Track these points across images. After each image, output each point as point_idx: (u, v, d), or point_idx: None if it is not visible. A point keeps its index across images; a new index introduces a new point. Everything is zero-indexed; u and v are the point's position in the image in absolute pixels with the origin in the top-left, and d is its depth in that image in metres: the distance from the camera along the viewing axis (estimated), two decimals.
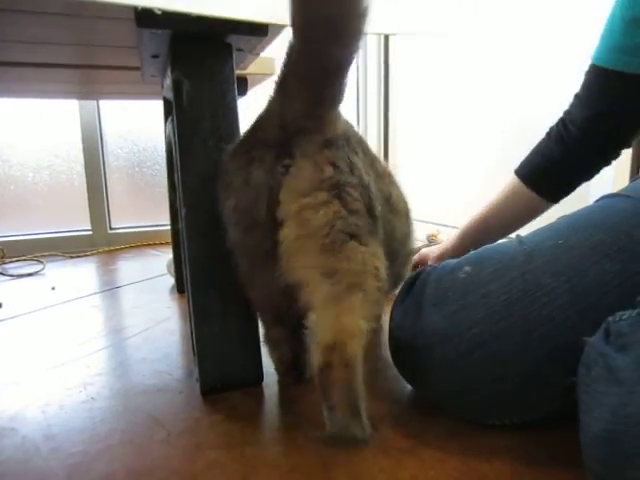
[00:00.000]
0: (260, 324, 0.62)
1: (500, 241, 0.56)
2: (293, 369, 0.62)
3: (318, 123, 0.50)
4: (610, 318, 0.39)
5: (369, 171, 0.55)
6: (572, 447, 0.47)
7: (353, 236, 0.49)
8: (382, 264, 0.52)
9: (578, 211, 0.53)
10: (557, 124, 0.74)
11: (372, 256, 0.51)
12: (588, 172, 0.76)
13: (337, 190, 0.49)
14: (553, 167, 0.74)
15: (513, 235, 0.56)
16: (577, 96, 0.71)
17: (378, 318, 0.57)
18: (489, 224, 0.83)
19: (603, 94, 0.67)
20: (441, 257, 0.90)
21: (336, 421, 0.44)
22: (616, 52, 0.63)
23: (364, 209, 0.51)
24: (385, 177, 0.65)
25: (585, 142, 0.70)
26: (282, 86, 0.49)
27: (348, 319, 0.47)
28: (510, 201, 0.80)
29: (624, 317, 0.38)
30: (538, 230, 0.53)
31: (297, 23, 0.43)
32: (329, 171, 0.49)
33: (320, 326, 0.48)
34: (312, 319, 0.49)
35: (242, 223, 0.51)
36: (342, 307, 0.47)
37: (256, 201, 0.49)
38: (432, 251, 0.95)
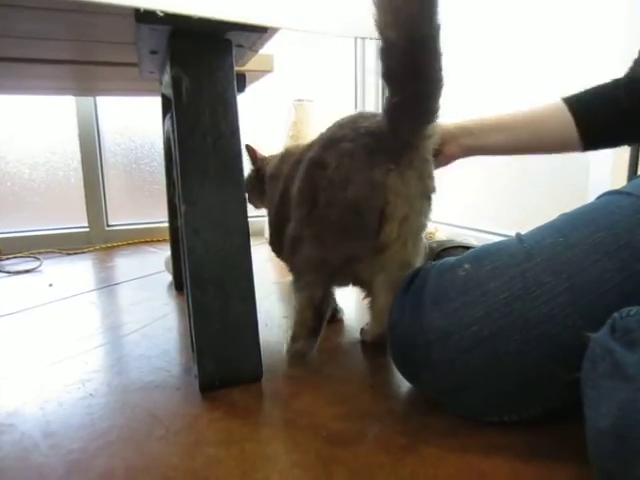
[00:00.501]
0: (300, 287, 0.68)
1: (499, 240, 0.56)
2: (312, 335, 0.69)
3: (420, 139, 0.60)
4: (616, 314, 0.39)
5: None
6: (571, 444, 0.48)
7: (421, 236, 0.64)
8: None
9: (578, 209, 0.53)
10: (622, 77, 0.67)
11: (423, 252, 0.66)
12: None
13: (429, 200, 0.64)
14: (611, 111, 0.68)
15: (512, 233, 0.56)
16: (636, 60, 0.66)
17: None
18: (510, 127, 0.73)
19: None
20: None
21: None
22: None
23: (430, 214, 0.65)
24: None
25: None
26: (398, 105, 0.57)
27: None
28: (543, 115, 0.71)
29: (631, 313, 0.38)
30: (538, 228, 0.53)
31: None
32: (429, 183, 0.63)
33: (385, 305, 0.61)
34: (376, 297, 0.65)
35: (353, 210, 0.61)
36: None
37: (372, 197, 0.60)
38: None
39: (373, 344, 0.74)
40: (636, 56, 0.66)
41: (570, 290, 0.45)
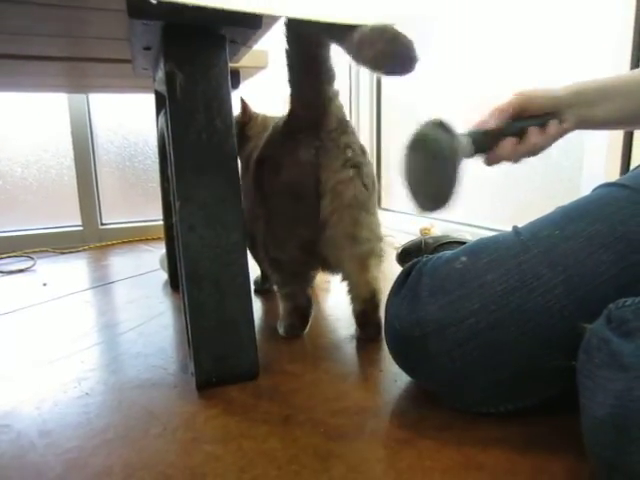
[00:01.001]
0: (278, 285, 0.77)
1: (491, 234, 0.56)
2: (303, 317, 0.77)
3: (327, 101, 0.64)
4: (612, 305, 0.40)
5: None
6: (567, 434, 0.48)
7: (365, 208, 0.66)
8: (382, 232, 0.72)
9: (575, 201, 0.53)
10: None
11: (377, 225, 0.71)
12: None
13: (357, 168, 0.65)
14: None
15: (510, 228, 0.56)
16: None
17: None
18: (612, 90, 0.59)
19: None
20: (546, 98, 0.59)
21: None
22: None
23: (371, 185, 0.67)
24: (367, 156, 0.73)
25: None
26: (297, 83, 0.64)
27: (374, 279, 0.70)
28: None
29: (627, 304, 0.39)
30: (534, 221, 0.54)
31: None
32: (349, 152, 0.65)
33: (356, 284, 0.71)
34: (346, 276, 0.72)
35: (292, 194, 0.65)
36: (368, 269, 0.69)
37: (303, 177, 0.64)
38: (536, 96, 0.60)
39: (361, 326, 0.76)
40: None
41: (566, 282, 0.46)
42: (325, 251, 0.68)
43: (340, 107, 0.67)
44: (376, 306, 0.71)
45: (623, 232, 0.45)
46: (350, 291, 0.73)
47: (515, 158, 0.58)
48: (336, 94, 0.66)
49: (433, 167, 0.53)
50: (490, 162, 0.58)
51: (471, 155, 0.55)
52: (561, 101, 0.59)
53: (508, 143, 0.56)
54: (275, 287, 0.79)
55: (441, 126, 0.52)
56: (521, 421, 0.51)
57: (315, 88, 0.62)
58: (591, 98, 0.60)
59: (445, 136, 0.52)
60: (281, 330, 0.77)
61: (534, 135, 0.57)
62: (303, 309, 0.76)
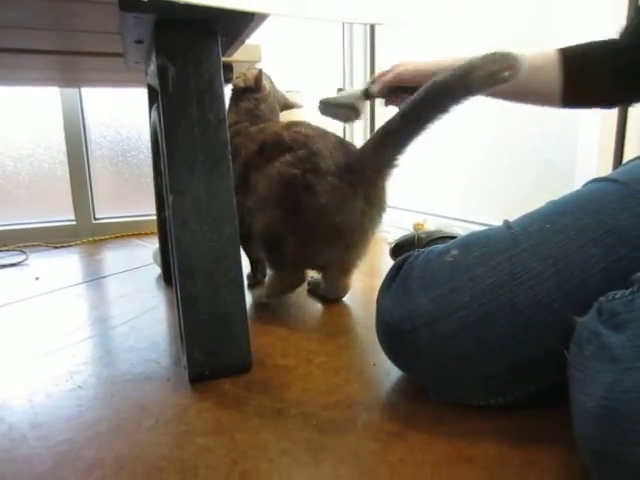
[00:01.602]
0: (282, 276, 0.86)
1: (487, 227, 0.56)
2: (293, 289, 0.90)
3: (383, 179, 0.82)
4: (602, 298, 0.40)
5: None
6: (557, 427, 0.49)
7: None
8: None
9: (565, 196, 0.54)
10: (613, 39, 0.68)
11: None
12: (626, 93, 0.69)
13: (381, 215, 0.84)
14: (600, 68, 0.67)
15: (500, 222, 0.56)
16: (624, 32, 0.67)
17: None
18: None
19: None
20: (416, 74, 0.77)
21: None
22: None
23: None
24: None
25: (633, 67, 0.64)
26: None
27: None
28: (535, 63, 0.69)
29: (617, 296, 0.39)
30: (525, 215, 0.54)
31: None
32: (384, 206, 0.84)
33: (336, 282, 0.90)
34: (330, 275, 0.89)
35: (339, 230, 0.78)
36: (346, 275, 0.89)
37: (352, 222, 0.78)
38: (408, 65, 0.80)
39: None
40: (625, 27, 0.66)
41: (556, 275, 0.46)
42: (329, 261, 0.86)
43: None
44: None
45: (612, 226, 0.46)
46: (327, 282, 0.91)
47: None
48: None
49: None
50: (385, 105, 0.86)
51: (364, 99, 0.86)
52: (421, 71, 0.76)
53: (390, 101, 0.83)
54: (273, 269, 0.87)
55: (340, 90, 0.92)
56: (512, 414, 0.51)
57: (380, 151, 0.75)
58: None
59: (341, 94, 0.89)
60: (265, 294, 0.88)
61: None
62: (299, 284, 0.89)
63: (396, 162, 0.76)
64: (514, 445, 0.47)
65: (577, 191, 0.54)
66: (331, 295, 0.91)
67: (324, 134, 0.82)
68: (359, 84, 0.87)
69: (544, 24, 1.16)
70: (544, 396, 0.51)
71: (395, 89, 0.80)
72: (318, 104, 0.88)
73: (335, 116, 0.90)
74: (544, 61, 0.70)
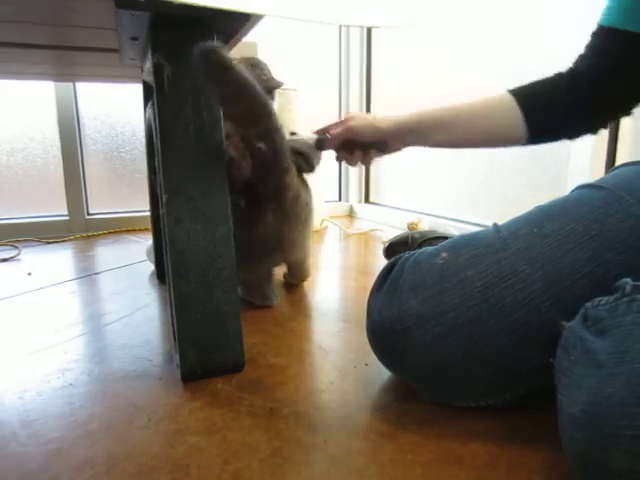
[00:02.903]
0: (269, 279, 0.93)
1: (477, 229, 0.57)
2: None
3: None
4: (588, 304, 0.41)
5: None
6: (545, 429, 0.49)
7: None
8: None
9: (552, 201, 0.55)
10: (566, 71, 0.69)
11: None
12: (585, 124, 0.71)
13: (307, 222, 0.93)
14: (556, 102, 0.68)
15: (490, 224, 0.57)
16: (582, 56, 0.68)
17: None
18: (449, 124, 0.74)
19: (610, 53, 0.64)
20: (373, 132, 0.76)
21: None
22: (626, 12, 0.60)
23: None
24: None
25: (591, 92, 0.66)
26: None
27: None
28: (492, 108, 0.71)
29: (602, 302, 0.40)
30: (514, 219, 0.55)
31: None
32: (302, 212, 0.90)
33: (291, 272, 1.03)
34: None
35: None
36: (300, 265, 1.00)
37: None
38: (361, 121, 0.78)
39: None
40: (583, 51, 0.68)
41: (543, 278, 0.47)
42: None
43: None
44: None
45: (598, 231, 0.47)
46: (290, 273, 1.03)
47: (350, 164, 0.81)
48: None
49: None
50: (336, 159, 0.83)
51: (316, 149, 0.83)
52: (385, 134, 0.76)
53: (341, 155, 0.80)
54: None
55: (293, 134, 0.88)
56: (501, 415, 0.52)
57: None
58: (416, 129, 0.75)
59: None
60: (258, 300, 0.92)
61: (358, 157, 0.78)
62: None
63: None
64: (503, 446, 0.47)
65: (564, 197, 0.55)
66: (293, 281, 1.05)
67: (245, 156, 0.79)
68: (310, 133, 0.84)
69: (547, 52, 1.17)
70: (534, 398, 0.51)
71: (347, 143, 0.78)
72: None
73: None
74: (500, 106, 0.71)
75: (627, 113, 0.68)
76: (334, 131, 0.77)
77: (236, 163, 0.77)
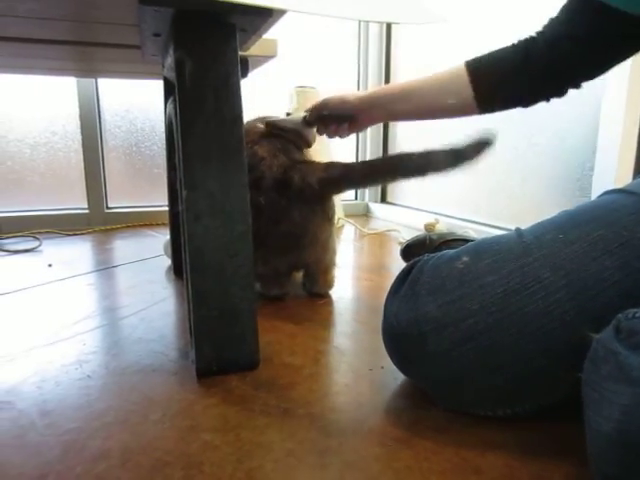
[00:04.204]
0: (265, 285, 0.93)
1: (499, 233, 0.56)
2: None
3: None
4: (621, 315, 0.38)
5: None
6: (567, 443, 0.48)
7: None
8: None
9: (580, 206, 0.53)
10: (525, 38, 0.72)
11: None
12: (535, 93, 0.74)
13: (331, 221, 0.93)
14: (505, 71, 0.72)
15: (513, 228, 0.55)
16: (552, 18, 0.70)
17: None
18: (414, 94, 0.80)
19: (581, 20, 0.65)
20: (340, 103, 0.86)
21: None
22: None
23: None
24: None
25: (548, 58, 0.69)
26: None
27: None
28: (444, 79, 0.77)
29: (637, 315, 0.37)
30: (538, 223, 0.53)
31: None
32: (331, 213, 0.93)
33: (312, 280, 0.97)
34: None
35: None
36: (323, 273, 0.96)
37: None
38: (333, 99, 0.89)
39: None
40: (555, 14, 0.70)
41: (568, 286, 0.45)
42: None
43: None
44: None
45: (628, 238, 0.45)
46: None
47: (328, 136, 0.92)
48: None
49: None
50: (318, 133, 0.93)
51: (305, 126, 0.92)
52: (353, 107, 0.84)
53: (320, 129, 0.91)
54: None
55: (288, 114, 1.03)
56: (521, 426, 0.50)
57: None
58: (383, 102, 0.82)
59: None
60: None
61: (333, 130, 0.89)
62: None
63: (341, 191, 0.90)
64: (522, 459, 0.46)
65: (592, 202, 0.53)
66: (314, 290, 0.97)
67: (274, 154, 0.85)
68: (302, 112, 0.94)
69: None
70: (556, 409, 0.50)
71: (322, 117, 0.88)
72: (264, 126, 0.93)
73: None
74: (453, 74, 0.76)
75: (577, 86, 0.72)
76: (313, 107, 0.89)
77: (267, 162, 0.84)
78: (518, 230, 0.53)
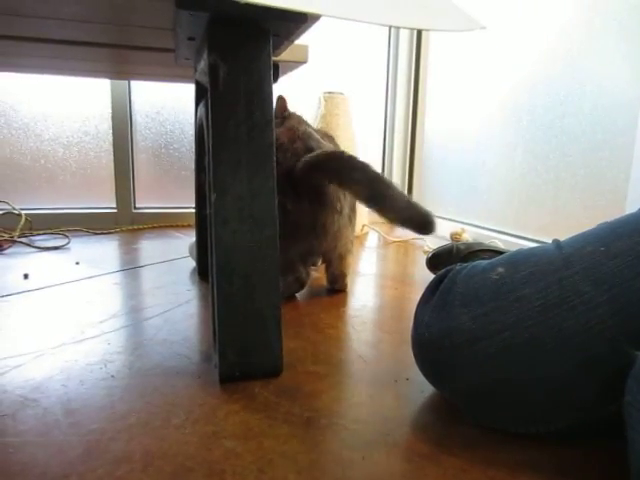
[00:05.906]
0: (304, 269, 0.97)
1: (527, 245, 0.54)
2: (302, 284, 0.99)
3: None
4: None
5: None
6: (598, 466, 0.46)
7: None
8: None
9: (621, 217, 0.50)
10: None
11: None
12: None
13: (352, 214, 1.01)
14: None
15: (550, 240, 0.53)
16: None
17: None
18: None
19: None
20: None
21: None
22: None
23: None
24: None
25: None
26: None
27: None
28: None
29: None
30: (577, 235, 0.51)
31: None
32: (346, 205, 0.98)
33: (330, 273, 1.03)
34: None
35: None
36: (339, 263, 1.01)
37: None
38: None
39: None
40: None
41: (610, 302, 0.43)
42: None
43: None
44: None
45: None
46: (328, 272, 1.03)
47: None
48: None
49: None
50: None
51: None
52: None
53: None
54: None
55: None
56: (551, 445, 0.48)
57: None
58: None
59: None
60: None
61: None
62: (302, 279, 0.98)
63: (326, 179, 0.89)
64: None
65: (634, 213, 0.50)
66: (331, 285, 1.03)
67: (293, 140, 0.91)
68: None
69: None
70: (592, 428, 0.48)
71: None
72: None
73: None
74: None
75: None
76: None
77: (284, 146, 0.89)
78: (556, 241, 0.51)
